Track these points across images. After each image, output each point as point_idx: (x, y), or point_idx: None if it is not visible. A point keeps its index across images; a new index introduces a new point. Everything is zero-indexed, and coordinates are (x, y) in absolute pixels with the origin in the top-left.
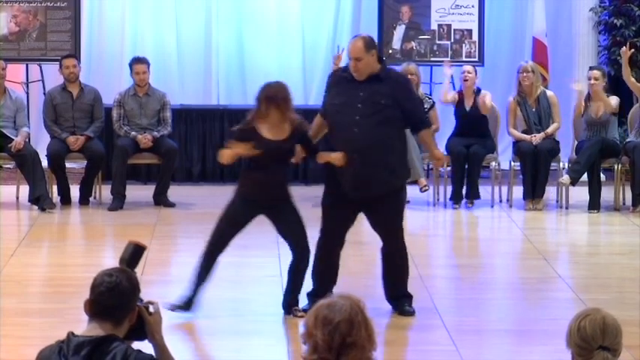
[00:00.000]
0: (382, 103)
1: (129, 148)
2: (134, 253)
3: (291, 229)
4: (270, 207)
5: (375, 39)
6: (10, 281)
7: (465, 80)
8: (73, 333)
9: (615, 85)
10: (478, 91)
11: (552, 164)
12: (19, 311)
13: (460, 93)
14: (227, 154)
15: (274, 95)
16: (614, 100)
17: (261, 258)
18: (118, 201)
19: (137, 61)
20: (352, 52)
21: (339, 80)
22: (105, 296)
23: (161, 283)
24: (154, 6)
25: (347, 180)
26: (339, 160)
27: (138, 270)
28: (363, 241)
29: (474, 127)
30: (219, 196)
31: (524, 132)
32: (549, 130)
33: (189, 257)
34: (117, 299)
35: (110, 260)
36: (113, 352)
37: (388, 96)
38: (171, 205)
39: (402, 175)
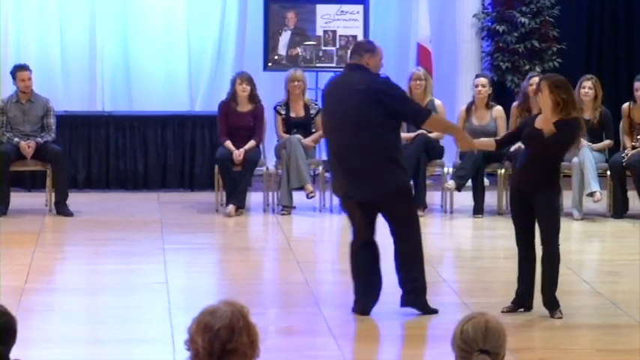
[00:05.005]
0: None
1: (11, 155)
2: None
3: None
4: None
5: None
6: None
7: None
8: None
9: (499, 91)
10: None
11: (437, 169)
12: None
13: None
14: None
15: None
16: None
17: (146, 265)
18: (2, 207)
19: (20, 68)
20: None
21: None
22: None
23: (45, 292)
24: (38, 11)
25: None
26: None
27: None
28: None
29: None
30: (104, 203)
31: None
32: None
33: (74, 265)
34: None
35: None
36: None
37: None
38: (70, 214)
39: None
